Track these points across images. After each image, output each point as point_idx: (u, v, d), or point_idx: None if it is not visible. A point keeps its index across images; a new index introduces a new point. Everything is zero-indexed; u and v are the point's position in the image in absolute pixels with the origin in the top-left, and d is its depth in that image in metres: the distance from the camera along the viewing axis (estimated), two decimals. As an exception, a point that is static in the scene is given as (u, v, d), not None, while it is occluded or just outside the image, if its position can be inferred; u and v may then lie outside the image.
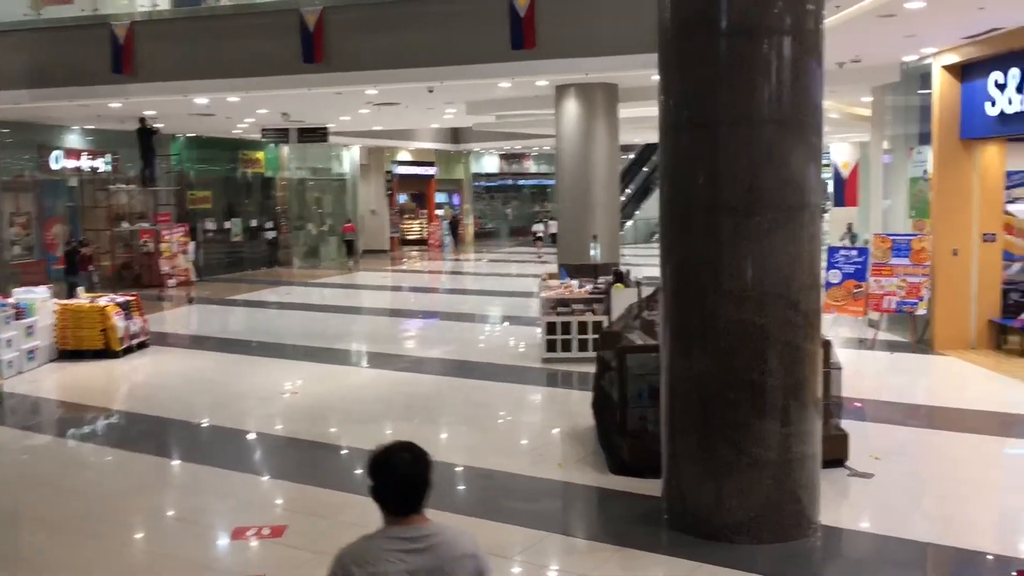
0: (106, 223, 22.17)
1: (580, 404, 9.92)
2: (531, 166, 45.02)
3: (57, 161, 20.76)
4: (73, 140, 21.38)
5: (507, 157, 43.02)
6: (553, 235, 33.74)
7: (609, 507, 7.12)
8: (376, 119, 21.47)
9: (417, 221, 37.27)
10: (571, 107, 15.06)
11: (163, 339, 14.83)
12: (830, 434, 7.30)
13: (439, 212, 38.00)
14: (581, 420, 9.29)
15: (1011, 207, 13.05)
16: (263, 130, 21.81)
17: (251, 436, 9.24)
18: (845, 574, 5.73)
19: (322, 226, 32.10)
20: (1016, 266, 13.54)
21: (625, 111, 15.92)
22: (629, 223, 35.62)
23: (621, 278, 12.78)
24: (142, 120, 19.35)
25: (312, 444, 8.91)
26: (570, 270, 13.96)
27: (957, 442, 8.56)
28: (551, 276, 13.65)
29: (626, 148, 34.66)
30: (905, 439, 8.74)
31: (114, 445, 9.13)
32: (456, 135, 34.42)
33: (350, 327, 16.72)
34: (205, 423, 9.77)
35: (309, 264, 29.26)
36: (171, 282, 21.99)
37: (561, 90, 15.12)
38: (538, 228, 32.80)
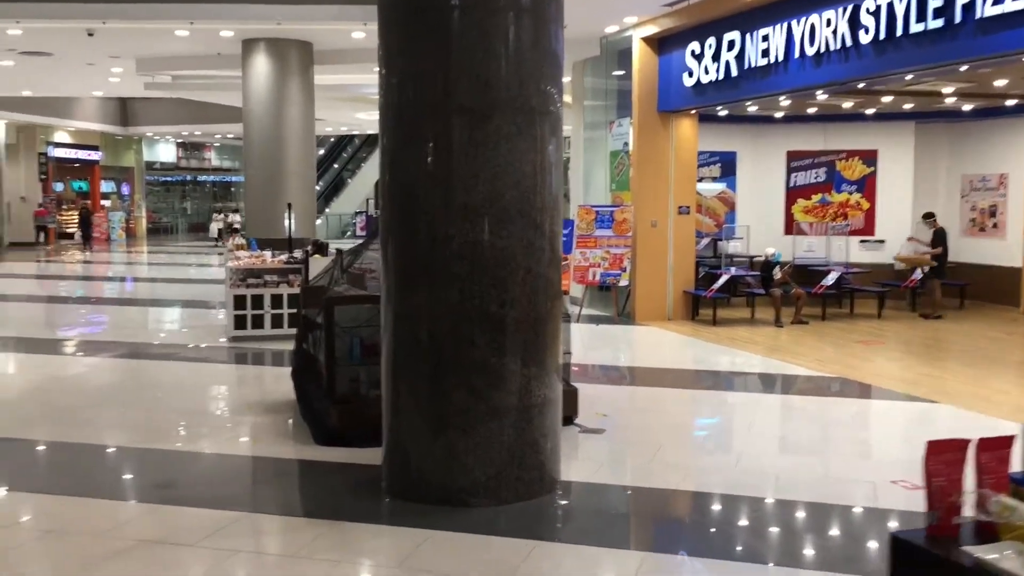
0: None
1: (275, 381, 8.70)
2: (212, 158, 42.03)
3: None
4: None
5: (186, 146, 39.78)
6: (233, 228, 31.80)
7: (317, 480, 5.97)
8: (24, 78, 18.32)
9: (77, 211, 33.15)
10: (261, 64, 13.59)
11: None
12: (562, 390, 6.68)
13: (105, 203, 34.10)
14: (277, 395, 8.03)
15: (700, 186, 13.54)
16: None
17: None
18: (595, 530, 5.04)
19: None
20: (703, 242, 14.12)
21: (321, 78, 14.70)
22: (320, 220, 34.21)
23: (321, 249, 11.61)
24: None
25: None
26: (261, 244, 12.54)
27: (668, 396, 8.47)
28: (240, 247, 12.10)
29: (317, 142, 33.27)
30: (623, 397, 8.50)
31: None
32: (126, 115, 31.09)
33: (10, 313, 13.95)
34: None
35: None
36: None
37: (249, 45, 13.59)
38: (214, 227, 31.00)
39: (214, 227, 32.01)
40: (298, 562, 4.52)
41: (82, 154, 32.70)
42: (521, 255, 5.14)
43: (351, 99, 19.12)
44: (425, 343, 5.17)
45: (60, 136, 31.30)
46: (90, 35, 12.81)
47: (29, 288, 18.21)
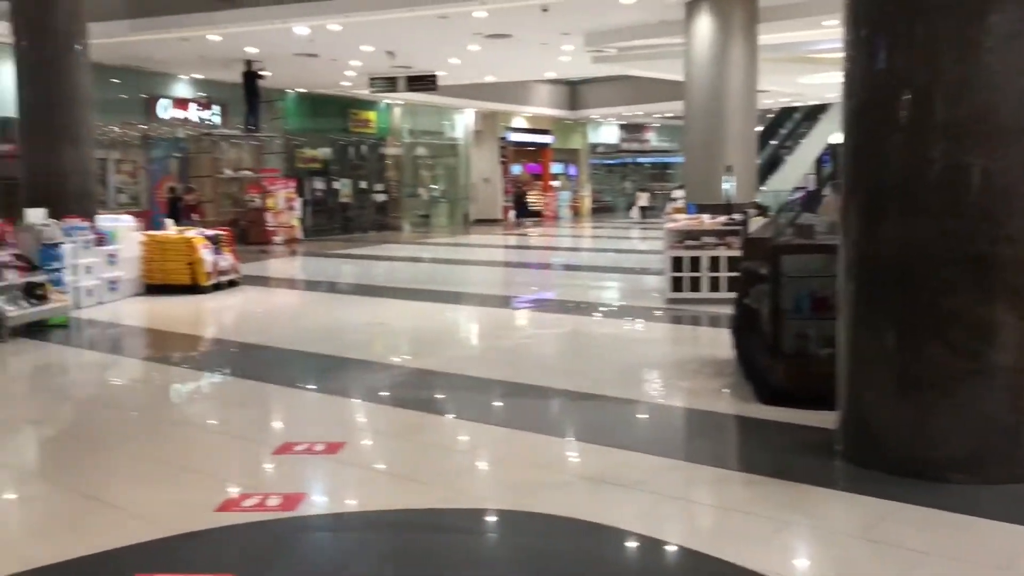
0: (212, 174, 21.66)
1: (714, 341, 8.38)
2: (652, 139, 43.00)
3: (165, 111, 20.28)
4: (181, 89, 20.89)
5: (627, 128, 41.15)
6: (644, 207, 32.35)
7: (760, 438, 5.51)
8: (487, 64, 20.09)
9: (533, 191, 35.84)
10: (703, 26, 13.30)
11: (256, 281, 13.89)
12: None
13: (555, 183, 36.51)
14: (716, 354, 7.70)
15: None
16: (371, 79, 20.79)
17: (328, 358, 8.01)
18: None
19: (433, 191, 31.11)
20: None
21: (765, 37, 14.03)
22: (757, 197, 33.32)
23: (763, 210, 11.03)
24: (248, 63, 18.66)
25: (392, 367, 7.65)
26: (700, 209, 12.28)
27: None
28: (678, 211, 11.98)
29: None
30: None
31: (182, 365, 8.07)
32: (574, 99, 32.85)
33: (458, 275, 15.47)
34: (285, 347, 8.60)
35: (419, 229, 28.23)
36: (277, 239, 21.27)
37: (693, 8, 13.37)
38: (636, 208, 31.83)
39: (635, 209, 32.73)
40: (740, 516, 4.12)
41: (536, 138, 35.33)
42: (1022, 182, 4.19)
43: (795, 59, 18.18)
44: (893, 290, 4.46)
45: (517, 122, 34.07)
46: (544, 11, 13.53)
47: (489, 256, 20.00)
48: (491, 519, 4.25)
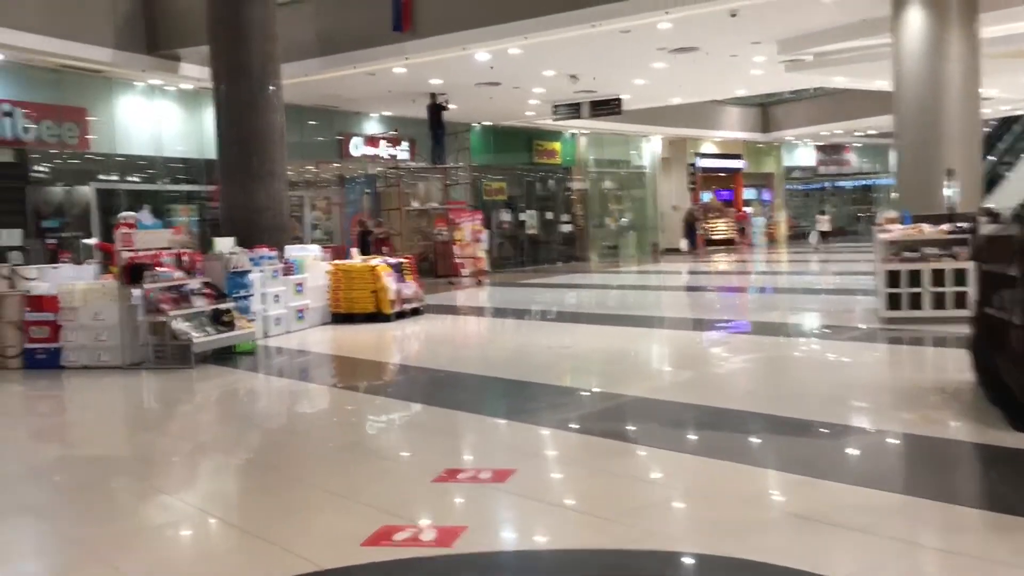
0: (401, 208, 22.04)
1: (943, 362, 7.32)
2: (852, 160, 40.50)
3: (357, 148, 20.85)
4: (372, 127, 21.45)
5: (825, 150, 38.96)
6: (824, 232, 29.82)
7: (1017, 470, 4.47)
8: (673, 83, 19.32)
9: (723, 219, 34.46)
10: (914, 20, 12.00)
11: (442, 310, 13.72)
12: None
13: (748, 209, 34.96)
14: (947, 376, 6.60)
15: None
16: (554, 106, 20.54)
17: (509, 383, 7.52)
18: None
19: (620, 221, 30.46)
20: None
21: (986, 29, 12.52)
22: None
23: (995, 217, 9.64)
24: (433, 96, 18.86)
25: (577, 391, 7.05)
26: (916, 219, 10.97)
27: None
28: (890, 220, 10.73)
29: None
30: None
31: (360, 391, 7.84)
32: (766, 121, 31.41)
33: (648, 301, 14.72)
34: (466, 372, 8.21)
35: (607, 260, 27.63)
36: (464, 271, 21.26)
37: (900, 1, 12.11)
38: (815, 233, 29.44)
39: (814, 235, 30.37)
40: (995, 570, 3.19)
41: (726, 163, 34.03)
42: None
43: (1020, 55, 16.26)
44: None
45: (706, 147, 32.96)
46: (733, 16, 12.69)
47: (679, 282, 19.11)
48: (685, 565, 3.53)
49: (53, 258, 12.85)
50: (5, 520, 4.45)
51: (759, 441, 5.43)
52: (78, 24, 13.33)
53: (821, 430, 5.42)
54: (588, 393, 7.04)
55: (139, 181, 16.10)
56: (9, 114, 13.56)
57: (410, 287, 12.81)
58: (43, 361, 9.08)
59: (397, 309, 12.32)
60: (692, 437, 5.58)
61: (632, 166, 30.58)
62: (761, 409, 6.01)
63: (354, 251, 13.43)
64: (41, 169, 14.54)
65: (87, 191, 15.07)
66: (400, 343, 11.01)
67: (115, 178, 15.66)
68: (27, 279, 9.43)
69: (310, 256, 12.23)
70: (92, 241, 12.28)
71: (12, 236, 13.69)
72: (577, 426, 5.84)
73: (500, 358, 9.07)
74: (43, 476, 5.37)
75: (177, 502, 4.68)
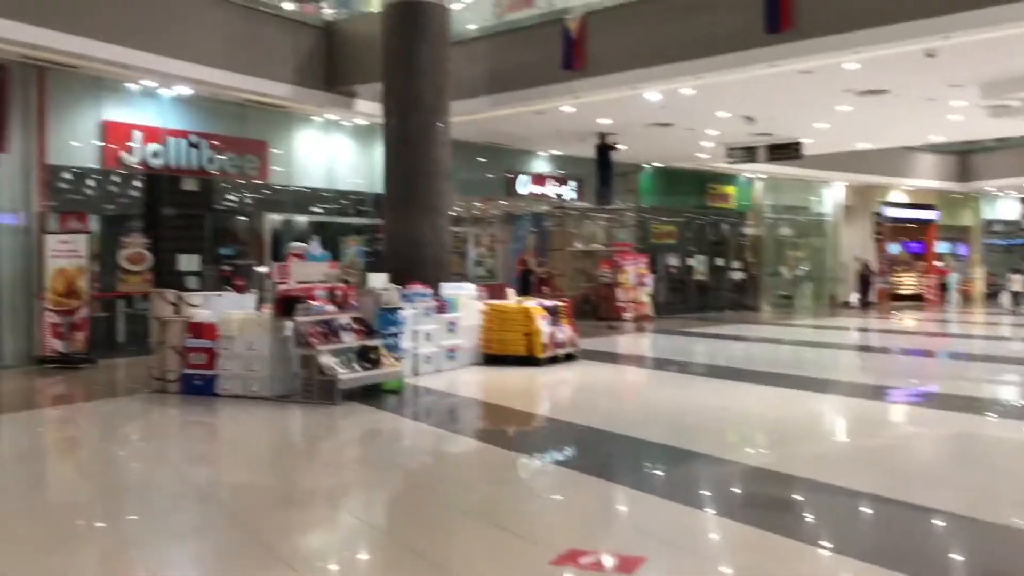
0: (565, 249, 21.76)
1: None
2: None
3: (524, 186, 20.78)
4: (539, 165, 21.34)
5: (1031, 202, 35.80)
6: (1016, 292, 26.51)
7: None
8: (859, 127, 18.11)
9: (911, 273, 32.14)
10: None
11: (598, 356, 13.21)
12: None
13: (939, 263, 32.48)
14: None
15: None
16: (729, 149, 19.76)
17: (658, 448, 6.94)
18: None
19: (797, 270, 28.94)
20: None
21: None
22: None
23: None
24: (601, 136, 18.54)
25: (733, 464, 6.38)
26: None
27: None
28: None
29: None
30: None
31: (499, 444, 7.47)
32: (964, 170, 29.18)
33: (823, 360, 13.67)
34: (613, 431, 7.68)
35: (780, 310, 26.25)
36: (627, 315, 20.70)
37: None
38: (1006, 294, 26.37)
39: (1005, 295, 27.34)
40: None
41: (917, 213, 31.80)
42: None
43: None
44: None
45: (894, 195, 30.94)
46: (930, 56, 11.62)
47: (858, 340, 17.75)
48: None
49: (227, 285, 13.30)
50: (160, 539, 4.35)
51: (945, 546, 4.63)
52: (262, 61, 13.88)
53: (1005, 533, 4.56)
54: (748, 468, 6.36)
55: (312, 213, 16.57)
56: (196, 145, 14.25)
57: (564, 331, 12.40)
58: (199, 387, 9.26)
59: (550, 354, 11.94)
60: (866, 535, 4.84)
61: (812, 213, 29.10)
62: (944, 503, 5.17)
63: (509, 291, 13.17)
64: (222, 198, 15.19)
65: (263, 220, 15.62)
66: (548, 391, 10.60)
67: (289, 209, 16.19)
68: (191, 306, 9.68)
69: (465, 294, 12.06)
70: (264, 269, 12.64)
71: (191, 262, 14.32)
72: (728, 510, 5.21)
73: (652, 417, 8.49)
74: (187, 499, 5.35)
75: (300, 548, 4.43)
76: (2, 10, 10.56)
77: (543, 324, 11.92)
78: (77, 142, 12.82)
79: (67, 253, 11.91)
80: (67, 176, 12.93)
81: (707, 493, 5.56)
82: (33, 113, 12.18)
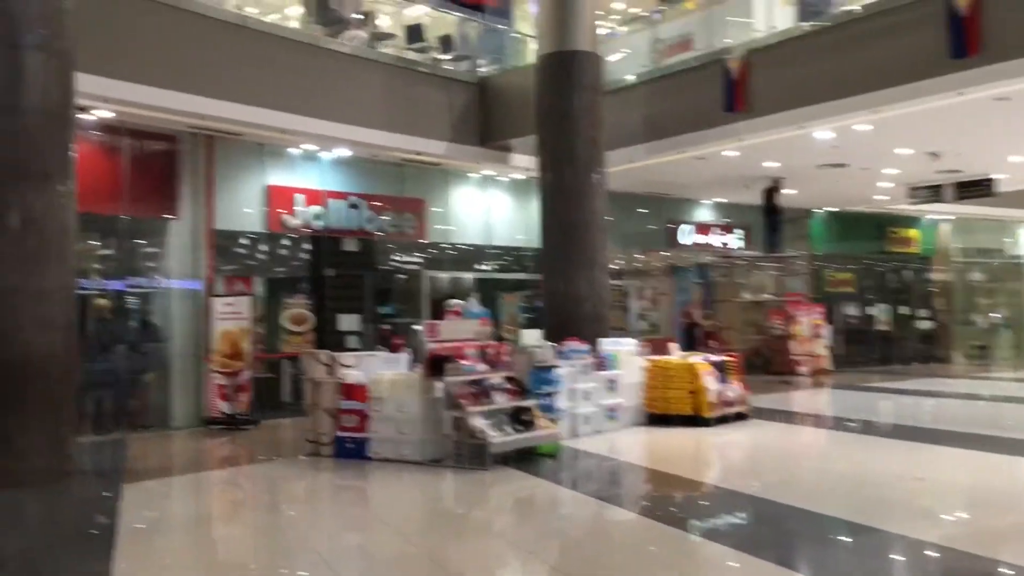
0: (732, 300, 20.72)
1: None
2: None
3: (687, 236, 20.00)
4: (703, 214, 20.51)
5: None
6: None
7: None
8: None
9: None
10: None
11: (772, 415, 12.20)
12: None
13: None
14: None
15: None
16: (911, 190, 18.31)
17: (840, 524, 6.07)
18: None
19: (992, 318, 26.47)
20: None
21: None
22: None
23: None
24: (769, 181, 17.59)
25: (932, 547, 5.45)
26: None
27: None
28: None
29: None
30: None
31: (660, 518, 6.77)
32: None
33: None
34: (788, 503, 6.85)
35: (975, 362, 23.98)
36: (802, 368, 19.36)
37: None
38: None
39: None
40: None
41: None
42: None
43: None
44: None
45: (1105, 233, 27.96)
46: None
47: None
48: None
49: (385, 344, 13.27)
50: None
51: None
52: (418, 119, 13.95)
53: None
54: (952, 553, 5.40)
55: (470, 269, 16.47)
56: (355, 206, 14.43)
57: (734, 389, 11.53)
58: (351, 451, 9.05)
59: (718, 413, 11.10)
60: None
61: (1007, 256, 26.69)
62: None
63: (673, 345, 12.42)
64: (381, 257, 15.29)
65: (422, 278, 15.61)
66: (717, 455, 9.80)
67: (448, 266, 16.14)
68: (343, 366, 9.54)
69: (625, 350, 11.43)
70: (421, 328, 12.50)
71: (351, 321, 14.41)
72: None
73: (834, 486, 7.57)
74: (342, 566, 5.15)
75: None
76: (174, 84, 11.01)
77: (710, 381, 11.11)
78: (242, 207, 13.19)
79: (232, 315, 12.16)
80: (233, 240, 13.32)
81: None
82: (201, 180, 12.63)
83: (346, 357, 9.80)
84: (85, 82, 9.15)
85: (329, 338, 13.50)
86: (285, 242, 14.02)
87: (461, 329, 9.27)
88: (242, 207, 13.19)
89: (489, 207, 16.51)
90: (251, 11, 12.99)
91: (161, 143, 12.33)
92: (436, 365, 8.61)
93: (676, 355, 11.88)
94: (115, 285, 12.07)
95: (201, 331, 12.39)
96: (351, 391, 9.17)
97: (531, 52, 16.33)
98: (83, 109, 10.53)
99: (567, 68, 12.61)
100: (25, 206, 7.91)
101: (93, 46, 9.52)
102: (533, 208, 15.62)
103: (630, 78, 14.97)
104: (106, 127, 11.53)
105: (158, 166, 12.31)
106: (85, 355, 11.75)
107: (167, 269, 12.54)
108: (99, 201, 11.38)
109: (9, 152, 7.91)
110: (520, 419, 8.68)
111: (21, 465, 7.79)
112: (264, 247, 13.77)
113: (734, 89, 13.31)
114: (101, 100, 10.54)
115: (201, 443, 11.16)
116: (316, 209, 13.87)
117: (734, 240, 20.79)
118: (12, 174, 7.91)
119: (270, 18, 13.56)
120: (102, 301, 11.92)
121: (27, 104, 8.00)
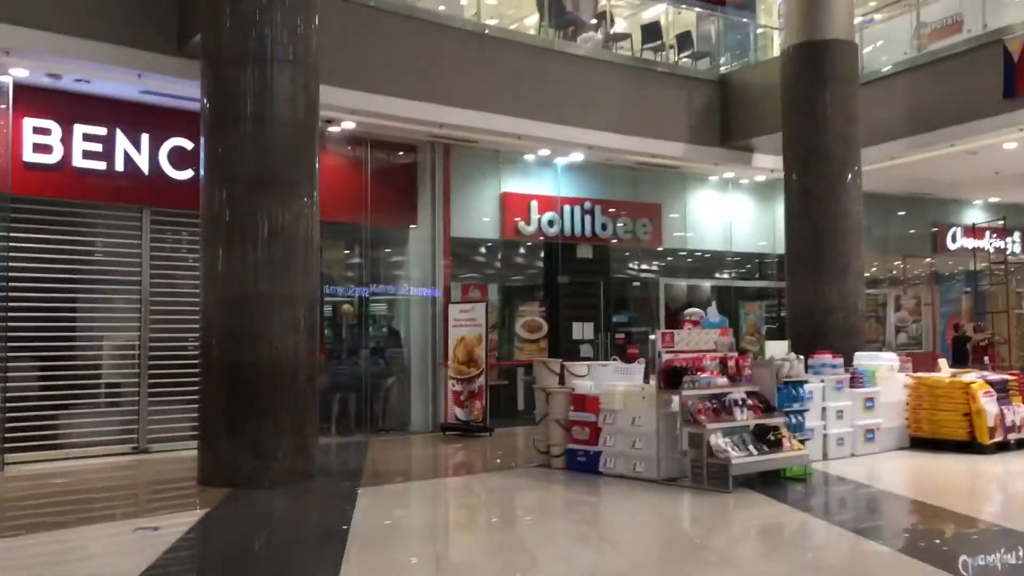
0: (1009, 311, 18.43)
1: None
2: None
3: (954, 240, 18.07)
4: (974, 215, 18.43)
5: None
6: None
7: None
8: None
9: None
10: None
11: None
12: None
13: None
14: None
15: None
16: None
17: None
18: None
19: None
20: None
21: None
22: None
23: None
24: (1055, 177, 15.48)
25: None
26: None
27: None
28: None
29: None
30: None
31: (930, 560, 5.85)
32: None
33: None
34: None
35: None
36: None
37: None
38: None
39: None
40: None
41: None
42: None
43: None
44: None
45: None
46: None
47: None
48: None
49: (620, 353, 12.88)
50: None
51: None
52: (654, 121, 13.44)
53: None
54: None
55: (708, 276, 15.72)
56: (590, 212, 14.14)
57: (1017, 412, 10.06)
58: (583, 464, 8.68)
59: (998, 439, 9.71)
60: None
61: None
62: None
63: (941, 361, 11.07)
64: (616, 264, 14.90)
65: (657, 286, 15.07)
66: (997, 488, 8.53)
67: (684, 273, 15.49)
68: (575, 376, 9.21)
69: (884, 366, 10.30)
70: (656, 337, 11.99)
71: (586, 330, 14.12)
72: None
73: None
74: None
75: None
76: (414, 93, 11.19)
77: (989, 403, 9.74)
78: (478, 214, 13.26)
79: (467, 322, 12.19)
80: (469, 247, 13.42)
81: None
82: (439, 189, 12.81)
83: (577, 366, 9.46)
84: (330, 94, 9.45)
85: (563, 346, 13.30)
86: (520, 249, 13.97)
87: (699, 339, 8.65)
88: (478, 215, 13.26)
89: (729, 211, 15.67)
90: (490, 22, 13.06)
91: (402, 153, 12.63)
92: (672, 377, 8.05)
93: (946, 372, 10.56)
94: (360, 292, 12.47)
95: (438, 338, 12.54)
96: (583, 402, 8.82)
97: (776, 46, 15.38)
98: (329, 121, 10.95)
99: (817, 58, 11.72)
100: (273, 215, 8.21)
101: (337, 59, 9.84)
102: (777, 211, 14.66)
103: (887, 68, 13.66)
104: (351, 138, 11.93)
105: (399, 175, 12.61)
106: (332, 359, 12.29)
107: (407, 276, 12.82)
108: (345, 210, 11.79)
109: (260, 163, 8.24)
110: (765, 438, 7.92)
111: (269, 465, 8.07)
112: (499, 254, 13.78)
113: (1015, 72, 11.77)
114: (345, 112, 10.89)
115: (437, 448, 11.25)
116: (550, 215, 13.70)
117: (1012, 243, 18.56)
118: (262, 184, 8.23)
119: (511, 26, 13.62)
120: (348, 307, 12.37)
121: (276, 116, 8.31)
